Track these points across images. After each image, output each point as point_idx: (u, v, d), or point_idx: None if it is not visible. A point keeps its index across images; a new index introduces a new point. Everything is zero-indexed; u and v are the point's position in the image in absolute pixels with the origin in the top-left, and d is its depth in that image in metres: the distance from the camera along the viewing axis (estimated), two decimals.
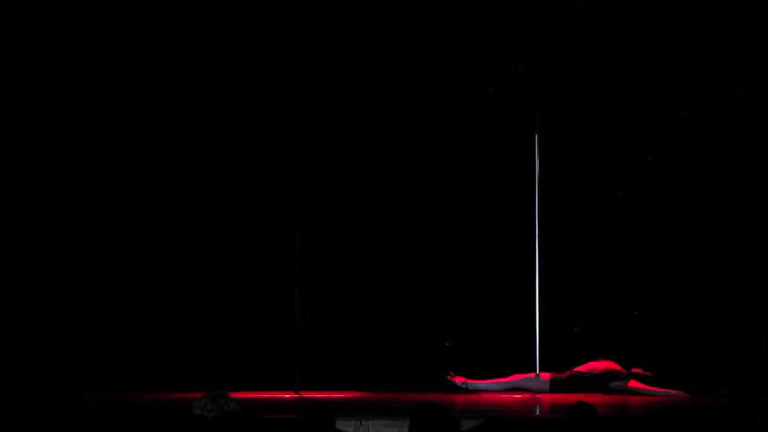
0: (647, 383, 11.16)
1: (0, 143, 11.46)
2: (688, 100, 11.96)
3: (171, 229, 12.05)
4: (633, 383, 11.20)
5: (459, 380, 11.35)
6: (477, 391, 11.31)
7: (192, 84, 11.98)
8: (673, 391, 11.00)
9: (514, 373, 11.43)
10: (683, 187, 12.04)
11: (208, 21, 11.91)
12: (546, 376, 11.36)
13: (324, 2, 11.94)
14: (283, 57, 11.69)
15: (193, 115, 12.02)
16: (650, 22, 11.87)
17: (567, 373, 11.34)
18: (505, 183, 12.21)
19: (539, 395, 11.21)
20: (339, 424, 7.63)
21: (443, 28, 12.07)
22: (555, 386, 11.29)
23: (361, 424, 8.82)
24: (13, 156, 11.52)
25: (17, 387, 11.00)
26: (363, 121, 12.21)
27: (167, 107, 12.01)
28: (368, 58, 12.13)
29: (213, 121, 12.05)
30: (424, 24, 12.05)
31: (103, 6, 11.70)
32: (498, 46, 12.10)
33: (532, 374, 11.40)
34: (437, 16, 12.05)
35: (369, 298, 12.20)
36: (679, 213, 12.05)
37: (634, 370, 11.31)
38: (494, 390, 11.33)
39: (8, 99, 11.47)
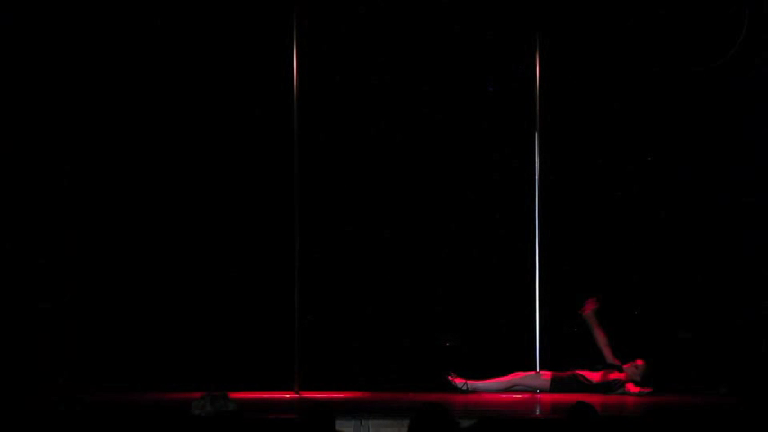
0: (642, 387, 11.22)
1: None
2: (689, 99, 11.97)
3: (171, 228, 12.05)
4: (630, 387, 11.25)
5: (459, 381, 11.34)
6: (477, 391, 11.31)
7: (191, 81, 11.98)
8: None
9: (514, 371, 11.44)
10: (683, 187, 12.04)
11: (208, 19, 11.91)
12: (547, 375, 11.36)
13: (324, 2, 11.95)
14: (285, 57, 11.68)
15: (194, 114, 12.03)
16: (651, 22, 11.88)
17: (568, 372, 11.35)
18: (505, 183, 12.20)
19: (539, 395, 11.21)
20: (339, 424, 7.63)
21: (443, 28, 12.08)
22: (556, 384, 11.29)
23: (361, 424, 8.82)
24: (14, 157, 11.53)
25: (17, 387, 10.99)
26: (362, 121, 12.21)
27: (169, 105, 12.01)
28: (367, 58, 12.14)
29: (214, 119, 12.05)
30: (424, 25, 12.06)
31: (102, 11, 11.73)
32: (498, 46, 12.11)
33: (532, 372, 11.41)
34: (436, 16, 12.05)
35: (369, 298, 12.20)
36: (679, 213, 12.05)
37: (638, 362, 11.34)
38: (494, 389, 11.33)
39: (8, 93, 11.48)
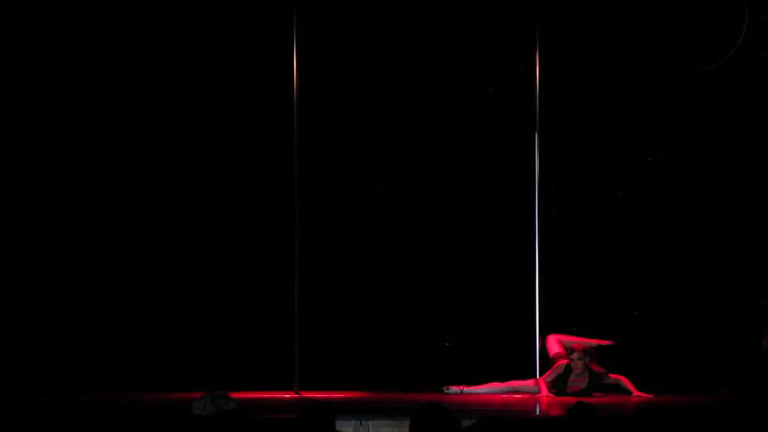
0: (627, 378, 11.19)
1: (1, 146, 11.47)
2: (689, 99, 11.97)
3: (171, 229, 12.05)
4: (609, 376, 11.20)
5: (455, 388, 11.27)
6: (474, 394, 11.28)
7: (189, 81, 11.98)
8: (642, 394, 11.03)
9: (512, 380, 11.40)
10: (682, 187, 12.05)
11: (209, 19, 11.91)
12: (543, 384, 11.25)
13: (324, 2, 11.95)
14: (285, 57, 11.68)
15: (195, 114, 12.03)
16: (651, 22, 11.88)
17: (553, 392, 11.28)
18: (505, 183, 12.21)
19: (538, 395, 11.20)
20: (339, 424, 7.63)
21: (443, 28, 12.09)
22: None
23: (361, 424, 8.83)
24: (13, 158, 11.52)
25: (17, 387, 11.00)
26: (361, 120, 12.22)
27: (167, 107, 12.01)
28: (366, 58, 12.14)
29: (215, 119, 12.05)
30: (425, 25, 12.07)
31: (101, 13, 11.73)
32: (498, 46, 12.12)
33: (531, 381, 11.35)
34: (436, 16, 12.06)
35: (369, 298, 12.20)
36: (679, 213, 12.05)
37: (575, 346, 11.23)
38: (491, 393, 11.30)
39: (9, 102, 11.47)
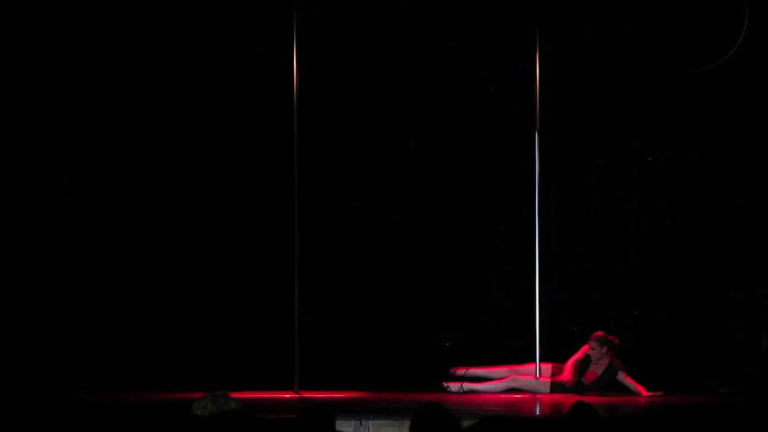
0: (634, 380, 11.14)
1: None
2: (689, 99, 11.98)
3: (171, 228, 12.06)
4: (625, 377, 11.16)
5: (460, 370, 11.28)
6: (473, 392, 11.26)
7: (188, 81, 11.98)
8: (645, 391, 11.01)
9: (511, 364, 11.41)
10: (682, 187, 12.05)
11: (209, 19, 11.91)
12: (545, 378, 11.25)
13: (325, 2, 11.96)
14: (285, 58, 11.68)
15: (194, 114, 12.03)
16: (651, 21, 11.88)
17: (572, 380, 11.22)
18: (505, 182, 12.21)
19: (539, 395, 11.19)
20: (339, 424, 7.64)
21: (444, 28, 12.09)
22: (555, 388, 11.22)
23: (361, 424, 8.83)
24: (13, 156, 11.52)
25: (17, 387, 10.99)
26: (362, 121, 12.22)
27: (167, 108, 12.01)
28: (367, 57, 12.14)
29: (214, 119, 12.05)
30: (425, 25, 12.06)
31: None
32: (498, 46, 12.12)
33: (532, 378, 11.32)
34: (437, 16, 12.06)
35: (369, 298, 12.20)
36: (678, 213, 12.05)
37: (597, 333, 11.23)
38: (491, 391, 11.29)
39: (7, 100, 11.46)
